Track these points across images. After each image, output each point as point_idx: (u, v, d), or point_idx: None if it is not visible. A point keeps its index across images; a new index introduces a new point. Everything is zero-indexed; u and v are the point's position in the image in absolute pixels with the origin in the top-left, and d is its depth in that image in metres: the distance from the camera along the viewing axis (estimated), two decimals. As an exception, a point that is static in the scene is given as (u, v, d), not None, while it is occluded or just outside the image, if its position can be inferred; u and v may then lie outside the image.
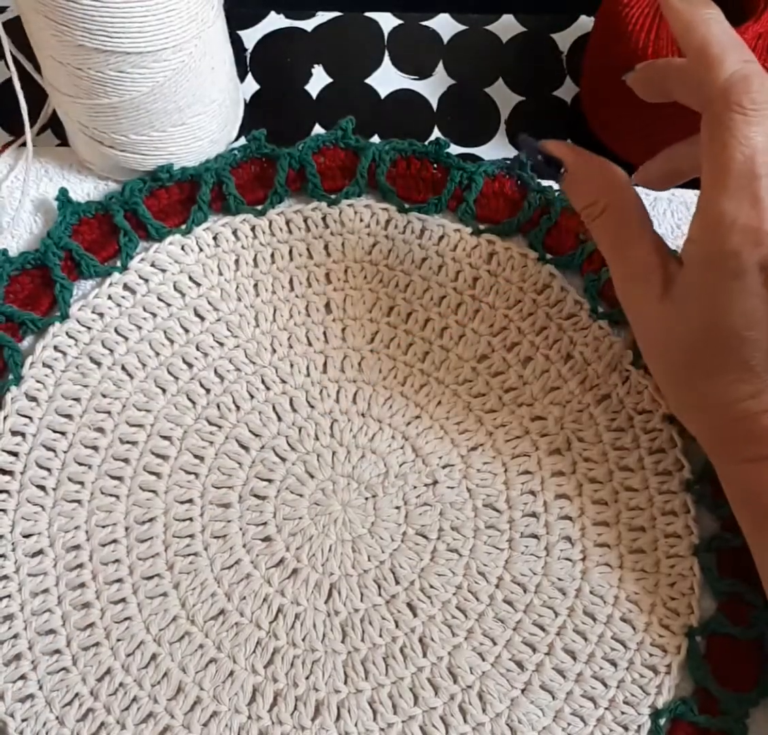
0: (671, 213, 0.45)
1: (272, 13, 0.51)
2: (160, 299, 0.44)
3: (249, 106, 0.49)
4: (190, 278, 0.44)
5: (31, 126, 0.46)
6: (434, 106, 0.49)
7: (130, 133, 0.43)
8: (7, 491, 0.41)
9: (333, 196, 0.45)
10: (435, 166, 0.45)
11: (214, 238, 0.45)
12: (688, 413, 0.38)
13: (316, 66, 0.50)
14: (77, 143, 0.45)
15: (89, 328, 0.43)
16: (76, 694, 0.38)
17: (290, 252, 0.45)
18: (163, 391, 0.42)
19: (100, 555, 0.40)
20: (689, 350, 0.34)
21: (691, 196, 0.45)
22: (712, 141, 0.32)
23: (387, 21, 0.51)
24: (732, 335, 0.33)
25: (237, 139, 0.48)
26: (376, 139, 0.48)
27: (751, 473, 0.35)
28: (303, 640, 0.38)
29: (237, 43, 0.50)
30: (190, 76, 0.41)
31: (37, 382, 0.42)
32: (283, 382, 0.43)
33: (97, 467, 0.41)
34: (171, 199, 0.45)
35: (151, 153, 0.44)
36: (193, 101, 0.42)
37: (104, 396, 0.42)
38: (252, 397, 0.42)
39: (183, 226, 0.45)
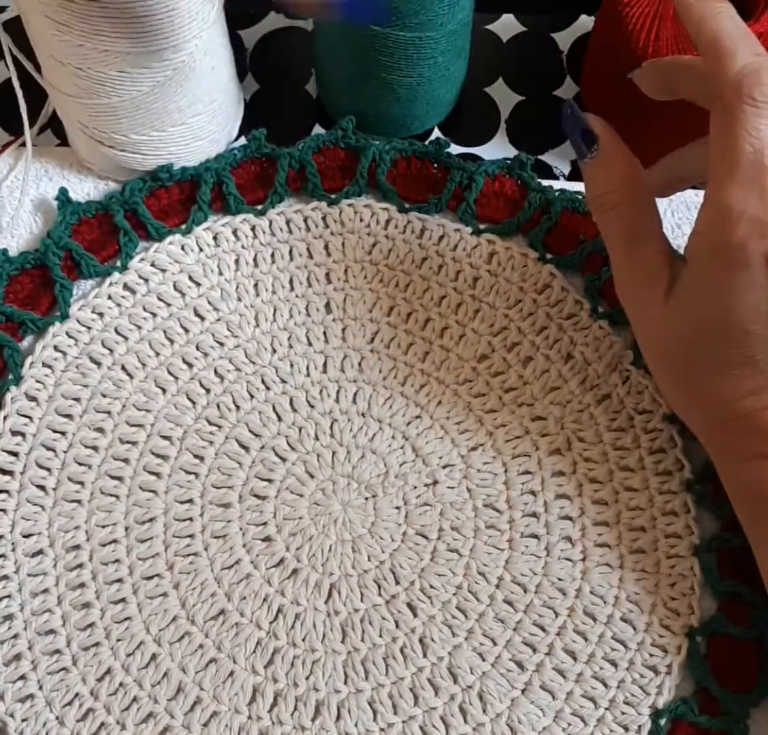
0: (672, 213, 0.45)
1: (272, 13, 0.51)
2: (160, 299, 0.44)
3: (249, 106, 0.49)
4: (190, 278, 0.44)
5: (31, 126, 0.47)
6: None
7: (131, 132, 0.43)
8: (7, 491, 0.41)
9: (333, 196, 0.45)
10: (435, 165, 0.45)
11: (214, 238, 0.45)
12: (690, 411, 0.38)
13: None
14: (77, 143, 0.45)
15: (89, 328, 0.43)
16: (76, 694, 0.38)
17: (290, 252, 0.45)
18: (163, 391, 0.42)
19: (100, 555, 0.40)
20: (692, 346, 0.34)
21: (692, 195, 0.45)
22: (721, 133, 0.32)
23: (387, 21, 0.51)
24: (736, 329, 0.33)
25: (237, 139, 0.48)
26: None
27: (753, 471, 0.35)
28: (303, 640, 0.38)
29: (237, 43, 0.50)
30: (190, 75, 0.41)
31: (37, 382, 0.42)
32: (283, 382, 0.43)
33: (97, 467, 0.41)
34: (171, 199, 0.45)
35: (151, 153, 0.44)
36: (194, 101, 0.42)
37: (104, 396, 0.42)
38: (252, 397, 0.42)
39: (183, 226, 0.45)
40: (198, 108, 0.43)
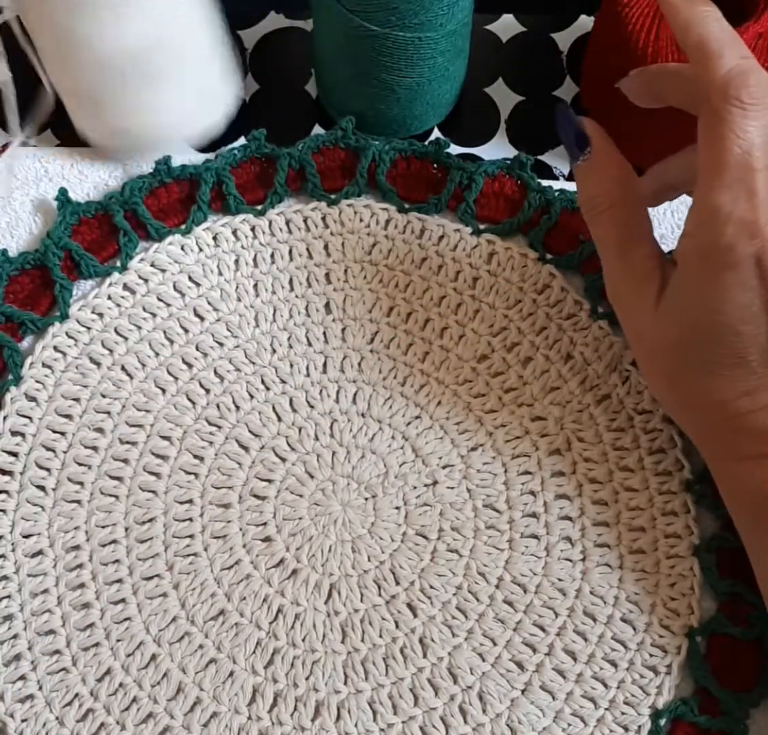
0: (671, 213, 0.45)
1: (272, 13, 0.51)
2: (160, 299, 0.44)
3: (249, 106, 0.49)
4: (190, 278, 0.44)
5: (31, 125, 0.46)
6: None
7: (124, 91, 0.42)
8: (6, 491, 0.41)
9: (333, 196, 0.45)
10: (435, 166, 0.45)
11: (214, 238, 0.45)
12: (683, 413, 0.38)
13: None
14: (76, 113, 0.45)
15: (89, 328, 0.43)
16: (76, 695, 0.38)
17: (290, 252, 0.45)
18: (163, 391, 0.42)
19: (99, 555, 0.40)
20: (684, 348, 0.34)
21: (692, 195, 0.45)
22: (709, 135, 0.32)
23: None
24: (728, 330, 0.33)
25: (237, 138, 0.48)
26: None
27: (745, 472, 0.35)
28: (303, 640, 0.38)
29: (237, 43, 0.50)
30: (178, 30, 0.40)
31: (37, 382, 0.42)
32: (283, 382, 0.43)
33: (96, 467, 0.41)
34: (171, 199, 0.45)
35: (149, 115, 0.43)
36: (184, 58, 0.41)
37: (104, 396, 0.42)
38: (252, 397, 0.42)
39: (183, 226, 0.45)
40: (191, 64, 0.42)
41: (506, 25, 0.51)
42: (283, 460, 0.41)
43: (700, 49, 0.33)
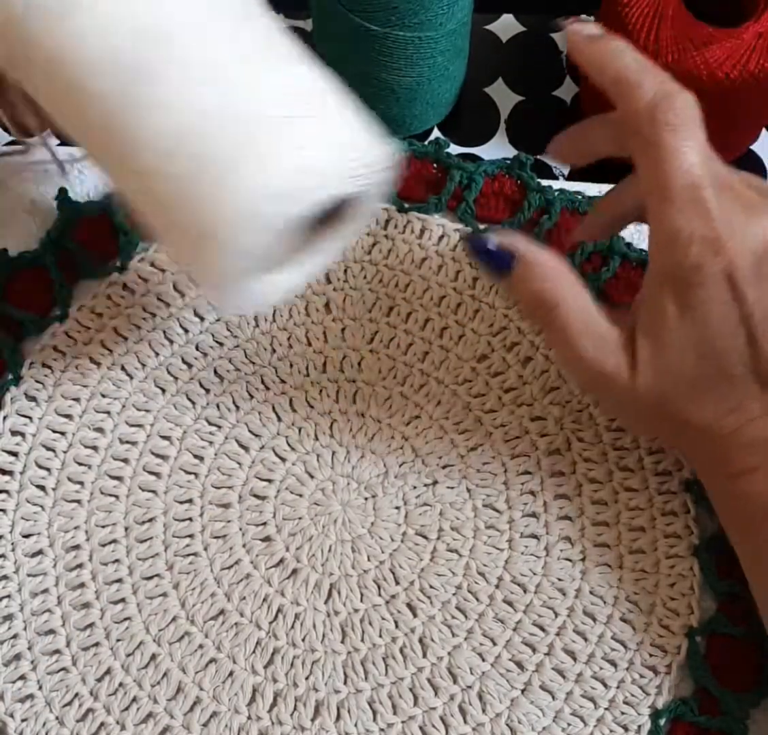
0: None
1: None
2: (159, 299, 0.44)
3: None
4: (190, 278, 0.44)
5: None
6: (434, 106, 0.49)
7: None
8: (6, 491, 0.41)
9: (333, 196, 0.45)
10: (435, 165, 0.45)
11: (214, 238, 0.45)
12: (671, 438, 0.38)
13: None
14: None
15: (89, 328, 0.43)
16: (76, 695, 0.38)
17: (290, 252, 0.45)
18: (163, 391, 0.42)
19: (99, 555, 0.40)
20: (671, 382, 0.34)
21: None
22: (648, 162, 0.32)
23: (387, 21, 0.51)
24: (708, 346, 0.33)
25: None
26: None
27: (738, 487, 0.34)
28: (303, 640, 0.38)
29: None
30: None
31: (37, 382, 0.42)
32: (283, 382, 0.43)
33: (96, 467, 0.41)
34: (171, 199, 0.45)
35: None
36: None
37: (104, 396, 0.42)
38: (251, 397, 0.42)
39: (183, 226, 0.45)
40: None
41: (506, 25, 0.51)
42: (283, 459, 0.41)
43: (620, 83, 0.33)
